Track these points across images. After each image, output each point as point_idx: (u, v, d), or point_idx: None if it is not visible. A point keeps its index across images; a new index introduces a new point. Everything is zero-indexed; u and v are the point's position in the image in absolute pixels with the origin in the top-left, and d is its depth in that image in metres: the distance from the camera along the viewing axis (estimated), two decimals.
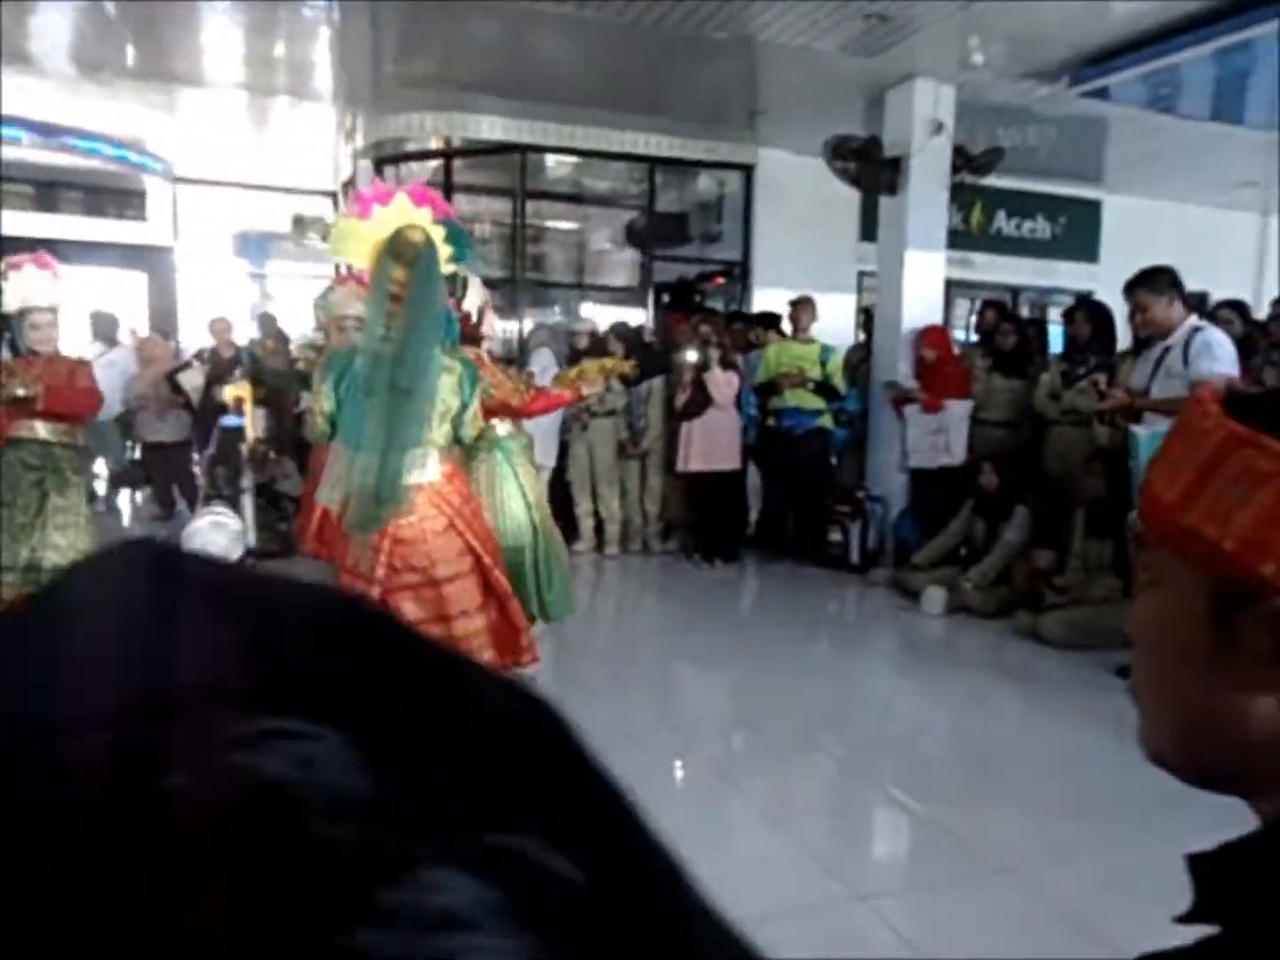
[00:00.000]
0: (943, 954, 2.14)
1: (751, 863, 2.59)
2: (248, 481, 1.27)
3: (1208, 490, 0.48)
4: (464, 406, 2.65)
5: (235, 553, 2.13)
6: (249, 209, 9.84)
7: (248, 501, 1.29)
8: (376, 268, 2.53)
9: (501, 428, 3.62)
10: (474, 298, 3.48)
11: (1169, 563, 0.51)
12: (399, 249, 2.50)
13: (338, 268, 3.76)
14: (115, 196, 9.37)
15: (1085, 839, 2.64)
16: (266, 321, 7.16)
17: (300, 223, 9.89)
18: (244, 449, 1.33)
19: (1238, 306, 5.13)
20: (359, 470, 2.45)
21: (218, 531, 2.02)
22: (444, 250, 2.59)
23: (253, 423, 1.35)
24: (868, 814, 2.99)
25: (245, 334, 7.72)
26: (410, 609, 2.59)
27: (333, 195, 9.16)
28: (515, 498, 3.58)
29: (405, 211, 2.56)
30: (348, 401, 2.52)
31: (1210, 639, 0.49)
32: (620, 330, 6.29)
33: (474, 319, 3.48)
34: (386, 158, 7.51)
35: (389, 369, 2.45)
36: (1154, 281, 3.78)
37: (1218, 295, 5.82)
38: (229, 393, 1.45)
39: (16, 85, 6.15)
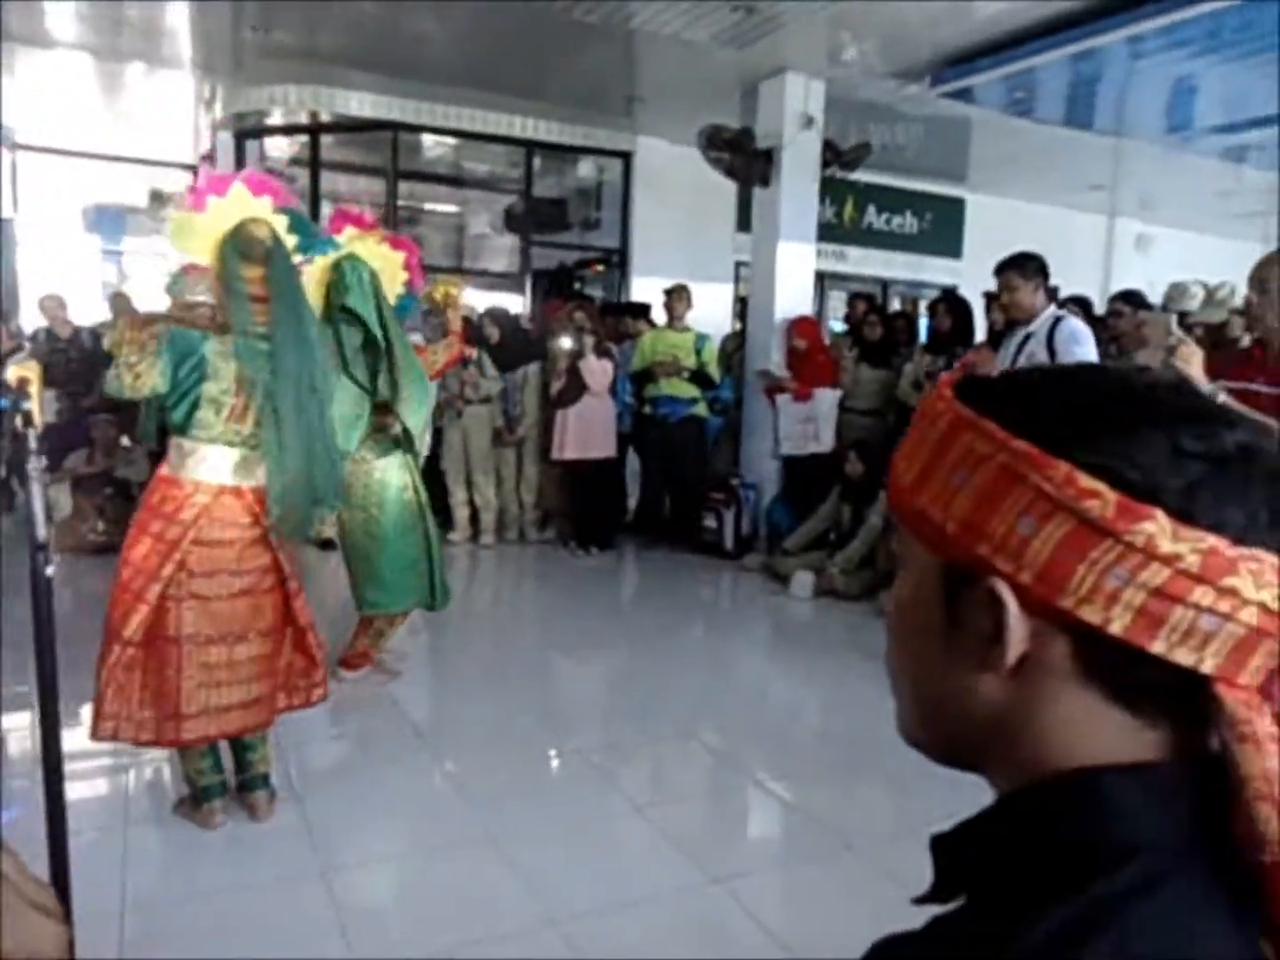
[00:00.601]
0: (790, 928, 2.19)
1: (613, 851, 2.60)
2: (34, 468, 1.15)
3: (936, 473, 0.49)
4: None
5: None
6: (101, 181, 9.23)
7: (37, 490, 1.17)
8: (223, 266, 2.40)
9: None
10: None
11: (911, 545, 0.52)
12: (246, 247, 2.39)
13: None
14: None
15: (938, 813, 2.72)
16: (119, 302, 6.72)
17: (158, 197, 9.34)
18: (32, 435, 1.20)
19: (1081, 302, 5.41)
20: (288, 474, 2.39)
21: None
22: (289, 240, 2.47)
23: (41, 407, 1.22)
24: (731, 798, 3.03)
25: (101, 315, 7.24)
26: (190, 620, 2.39)
27: (192, 169, 8.68)
28: (408, 489, 3.59)
29: (244, 201, 2.41)
30: (187, 389, 2.37)
31: (942, 620, 0.50)
32: (496, 314, 6.19)
33: None
34: (248, 130, 7.17)
35: (294, 371, 2.39)
36: (1024, 266, 3.89)
37: (1067, 292, 6.15)
38: (11, 373, 1.31)
39: None
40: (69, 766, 2.95)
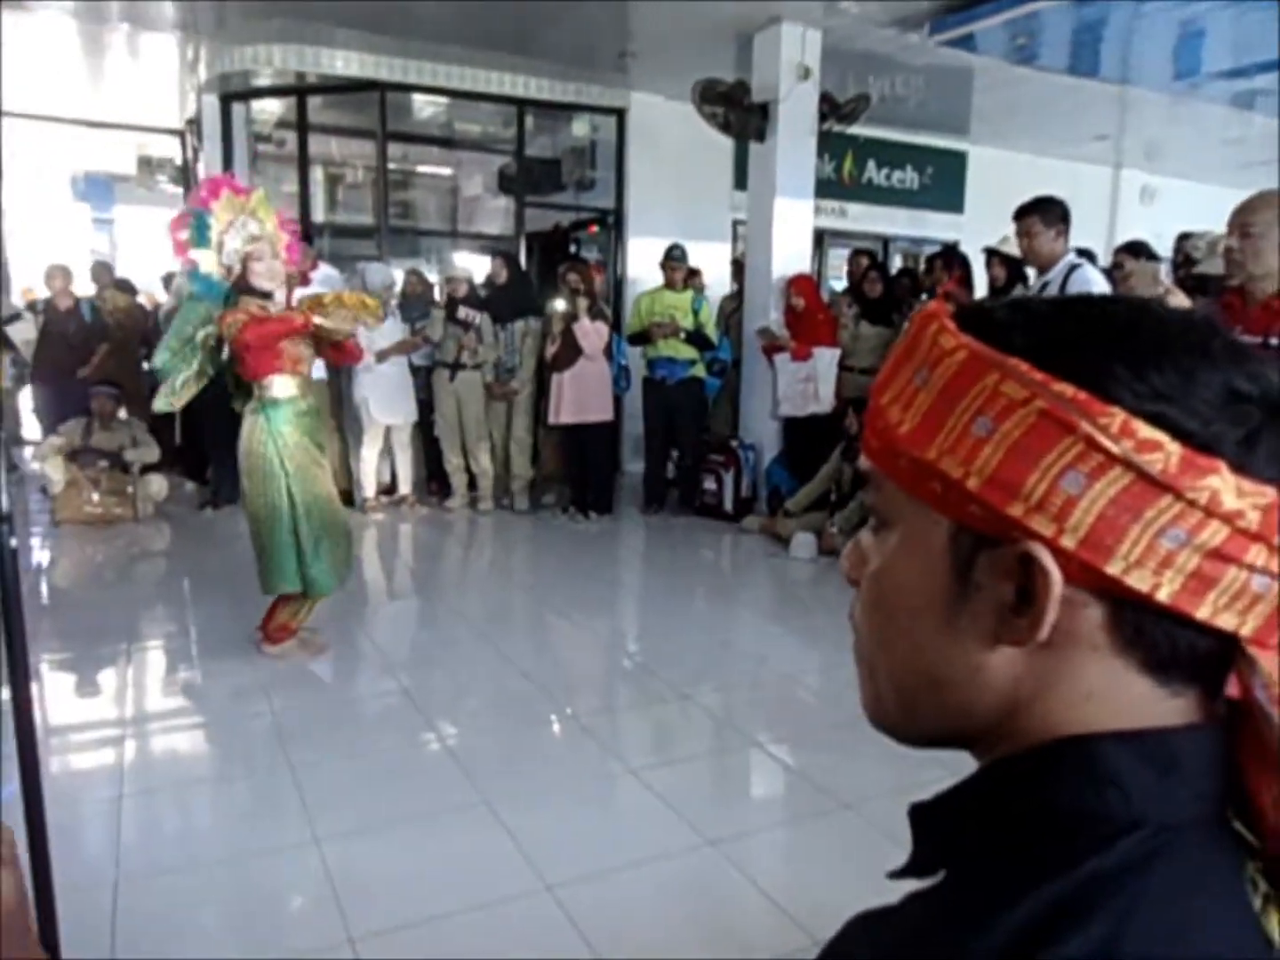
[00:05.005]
0: (788, 890, 2.17)
1: (610, 815, 2.59)
2: None
3: (948, 421, 0.42)
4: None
5: None
6: (88, 148, 9.10)
7: None
8: None
9: (281, 388, 3.36)
10: (231, 248, 3.32)
11: (902, 504, 0.46)
12: None
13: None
14: None
15: (938, 773, 2.71)
16: (101, 270, 6.63)
17: (147, 164, 9.21)
18: None
19: (1086, 254, 5.31)
20: None
21: None
22: None
23: None
24: (729, 760, 3.02)
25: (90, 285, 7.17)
26: None
27: (180, 134, 8.54)
28: (272, 462, 3.34)
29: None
30: None
31: (946, 588, 0.44)
32: (508, 257, 6.19)
33: (236, 270, 3.35)
34: (234, 94, 7.02)
35: None
36: (1046, 211, 3.79)
37: (1072, 245, 6.02)
38: None
39: None
40: (66, 738, 2.96)
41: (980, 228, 7.53)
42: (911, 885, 0.47)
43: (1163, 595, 0.39)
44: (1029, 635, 0.41)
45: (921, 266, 7.01)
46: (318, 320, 3.37)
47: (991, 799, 0.45)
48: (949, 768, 0.55)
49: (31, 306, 6.64)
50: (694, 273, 6.94)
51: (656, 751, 3.06)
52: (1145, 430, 0.38)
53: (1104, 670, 0.42)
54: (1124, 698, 0.42)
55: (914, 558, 0.46)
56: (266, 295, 3.36)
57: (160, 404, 3.50)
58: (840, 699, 3.43)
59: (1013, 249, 4.62)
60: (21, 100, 8.11)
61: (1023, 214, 3.84)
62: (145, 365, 6.96)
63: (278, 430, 3.36)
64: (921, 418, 0.44)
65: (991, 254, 5.03)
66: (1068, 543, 0.39)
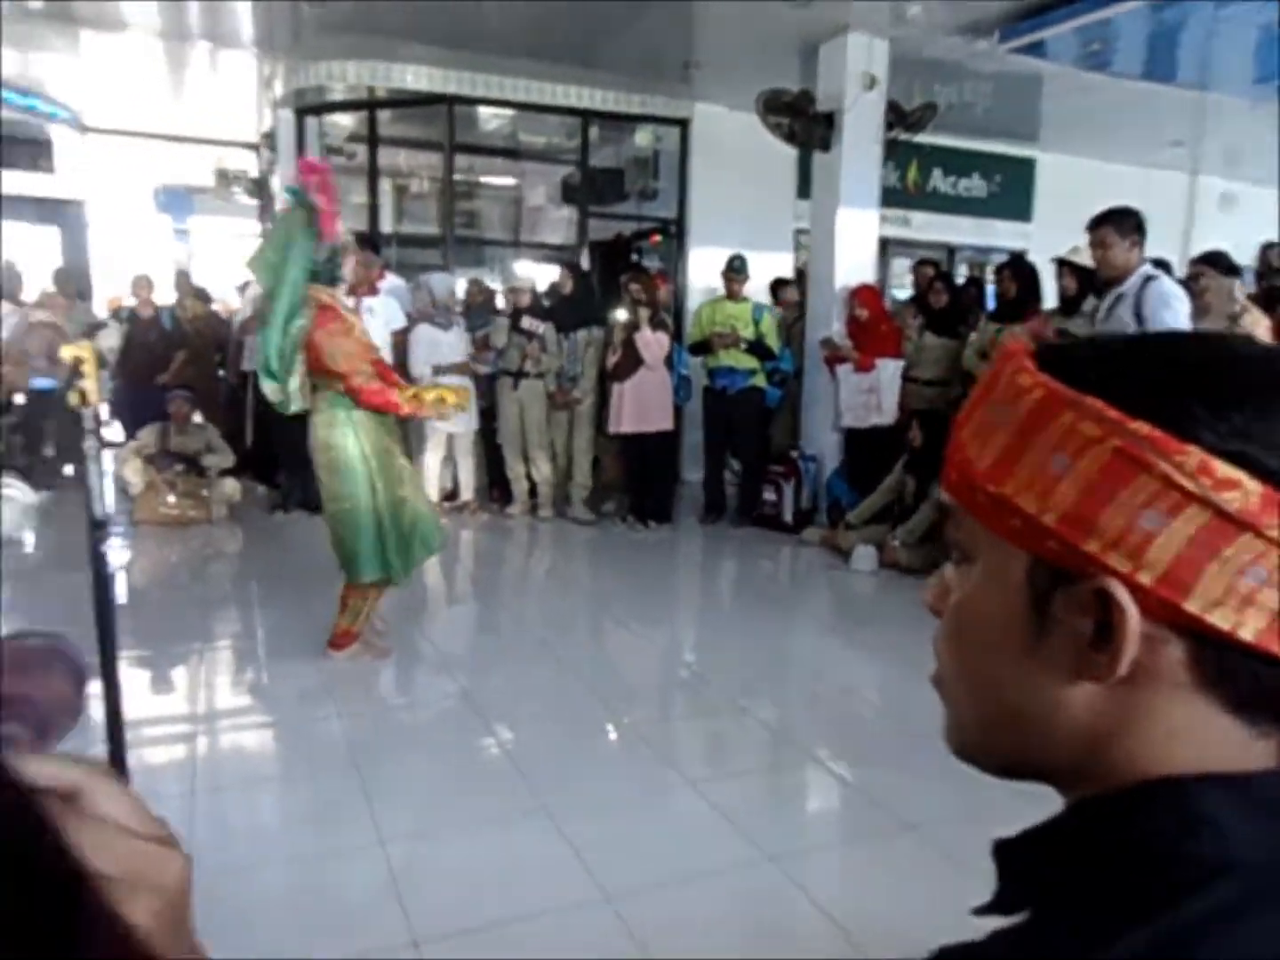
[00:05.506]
0: (847, 908, 2.16)
1: (668, 826, 2.59)
2: (91, 448, 1.17)
3: (1025, 458, 0.43)
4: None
5: (25, 528, 1.98)
6: (168, 161, 9.43)
7: (94, 469, 1.20)
8: None
9: None
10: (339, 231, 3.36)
11: (981, 538, 0.47)
12: None
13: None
14: (19, 146, 8.86)
15: (1000, 794, 2.66)
16: (182, 280, 6.87)
17: (224, 176, 9.52)
18: (87, 416, 1.23)
19: (1161, 265, 5.17)
20: None
21: (3, 506, 1.86)
22: None
23: (98, 387, 1.25)
24: (786, 775, 3.00)
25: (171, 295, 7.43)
26: None
27: (255, 148, 8.81)
28: (354, 455, 3.35)
29: None
30: None
31: (1025, 622, 0.45)
32: (573, 267, 6.27)
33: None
34: (308, 108, 7.22)
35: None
36: (1120, 222, 3.72)
37: (1147, 255, 5.87)
38: (67, 353, 1.32)
39: None
40: (139, 733, 3.06)
41: (1049, 236, 7.38)
42: (993, 921, 0.47)
43: (1246, 634, 0.39)
44: (1108, 671, 0.41)
45: (989, 276, 6.89)
46: (421, 413, 3.64)
47: (1081, 838, 0.44)
48: (1017, 792, 0.55)
49: (116, 314, 6.90)
50: (784, 283, 6.99)
51: (714, 763, 3.06)
52: (1223, 469, 0.38)
53: (1187, 708, 0.41)
54: (1208, 737, 0.42)
55: (993, 591, 0.46)
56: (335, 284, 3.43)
57: (270, 392, 3.33)
58: (901, 715, 3.38)
59: (1083, 259, 4.52)
60: (107, 116, 8.46)
61: (1097, 224, 3.77)
62: (220, 372, 7.19)
63: (359, 419, 3.36)
64: (999, 454, 0.44)
65: (1062, 264, 4.93)
66: (1145, 579, 0.39)
